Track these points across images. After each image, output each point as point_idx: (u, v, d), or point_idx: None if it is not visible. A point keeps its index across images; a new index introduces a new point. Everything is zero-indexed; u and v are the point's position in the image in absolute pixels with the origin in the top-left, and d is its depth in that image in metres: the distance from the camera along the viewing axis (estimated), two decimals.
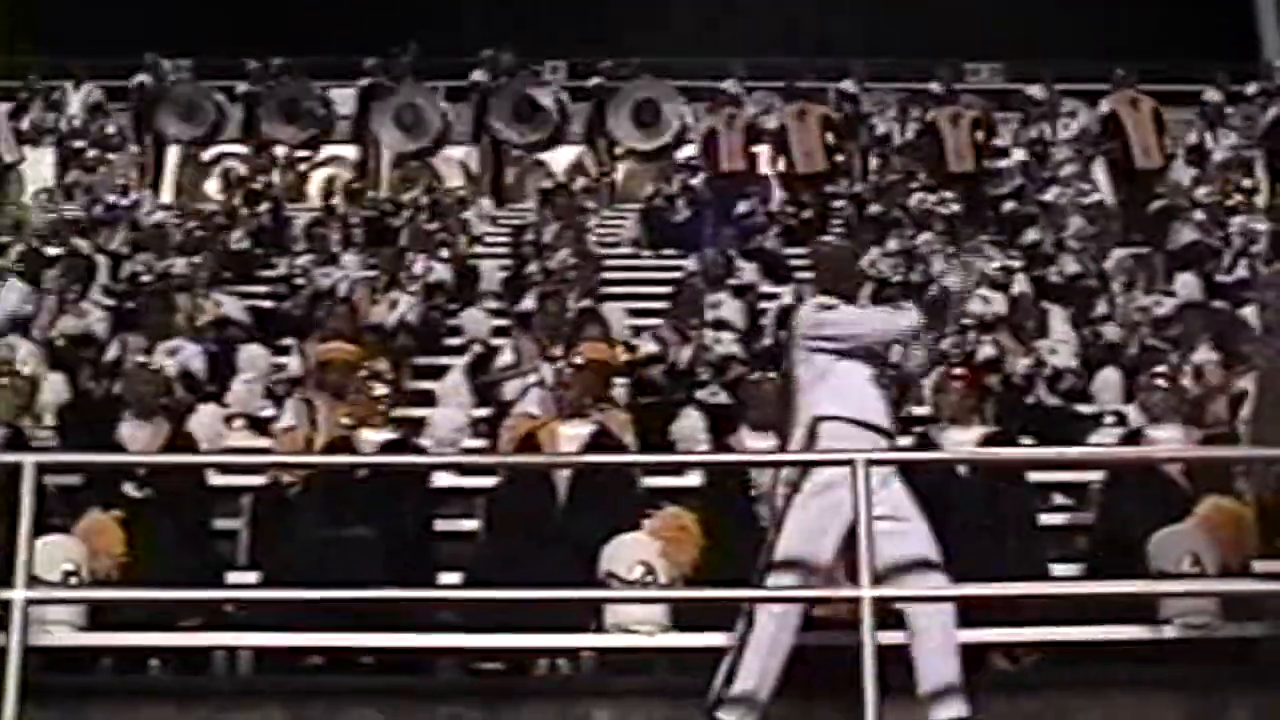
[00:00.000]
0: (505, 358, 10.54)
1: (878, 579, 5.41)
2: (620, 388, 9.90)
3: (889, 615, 5.67)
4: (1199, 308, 11.32)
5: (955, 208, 14.07)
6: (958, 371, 8.62)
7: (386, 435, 8.31)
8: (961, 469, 7.88)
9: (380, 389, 8.52)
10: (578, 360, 8.72)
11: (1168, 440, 8.55)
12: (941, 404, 8.56)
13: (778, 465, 6.32)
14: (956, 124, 15.50)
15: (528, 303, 11.75)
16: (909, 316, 6.55)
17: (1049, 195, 14.81)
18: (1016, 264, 12.70)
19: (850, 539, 5.81)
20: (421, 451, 8.83)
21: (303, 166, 17.73)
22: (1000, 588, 6.40)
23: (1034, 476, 8.61)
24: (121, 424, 8.58)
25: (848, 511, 5.71)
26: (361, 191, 15.66)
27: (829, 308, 6.52)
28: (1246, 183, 15.14)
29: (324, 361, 9.39)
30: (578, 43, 18.80)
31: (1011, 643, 7.32)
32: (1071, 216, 14.12)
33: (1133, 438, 8.85)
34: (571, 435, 8.24)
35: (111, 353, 10.83)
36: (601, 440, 8.19)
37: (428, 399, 10.67)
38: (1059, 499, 9.18)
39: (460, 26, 19.13)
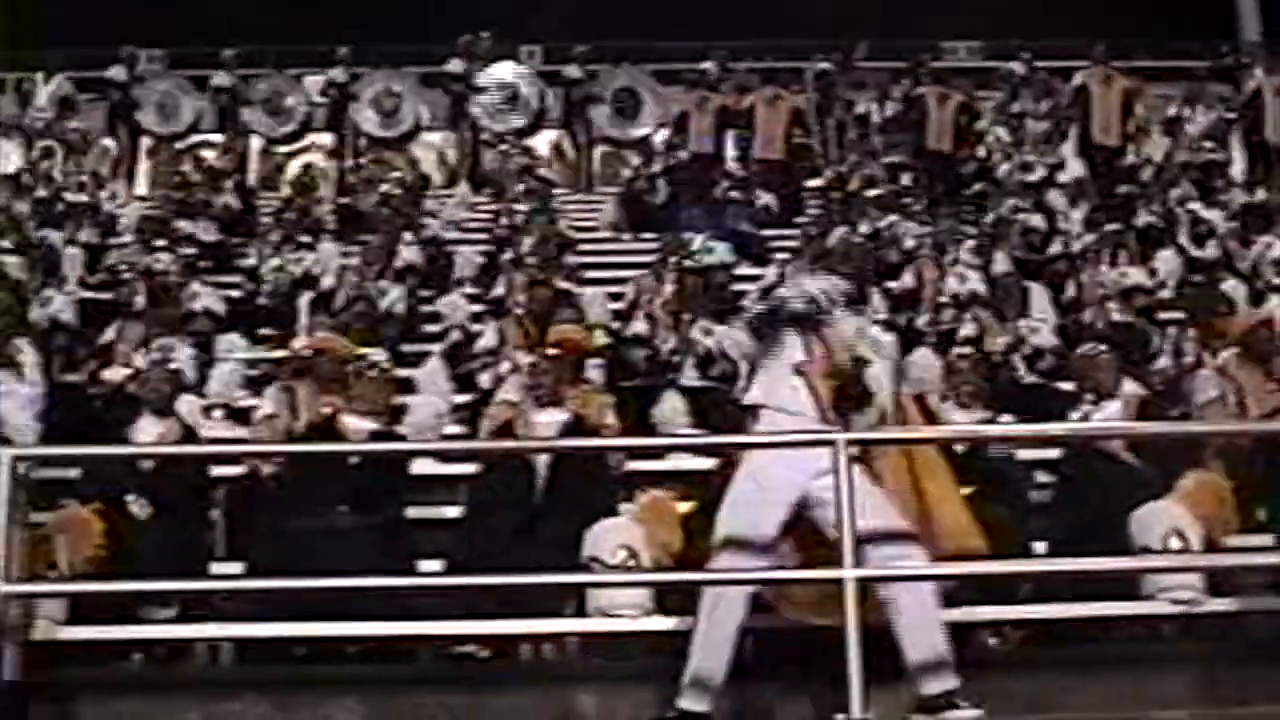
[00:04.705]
0: (488, 340, 10.47)
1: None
2: (596, 370, 9.80)
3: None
4: None
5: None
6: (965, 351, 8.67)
7: (371, 425, 8.19)
8: None
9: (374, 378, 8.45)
10: (550, 346, 8.72)
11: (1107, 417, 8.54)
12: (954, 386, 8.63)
13: (757, 447, 6.08)
14: (943, 104, 15.53)
15: (500, 288, 11.72)
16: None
17: (1027, 175, 14.84)
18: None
19: (797, 518, 5.81)
20: (401, 439, 8.77)
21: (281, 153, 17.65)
22: (982, 565, 6.35)
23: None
24: (139, 420, 8.53)
25: (788, 490, 5.74)
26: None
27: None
28: (1220, 156, 15.17)
29: (320, 350, 9.31)
30: (554, 28, 18.76)
31: (998, 621, 7.31)
32: (1048, 193, 14.14)
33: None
34: (547, 423, 8.23)
35: (108, 335, 10.75)
36: (576, 428, 8.17)
37: (407, 386, 10.60)
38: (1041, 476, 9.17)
39: (434, 12, 19.04)
